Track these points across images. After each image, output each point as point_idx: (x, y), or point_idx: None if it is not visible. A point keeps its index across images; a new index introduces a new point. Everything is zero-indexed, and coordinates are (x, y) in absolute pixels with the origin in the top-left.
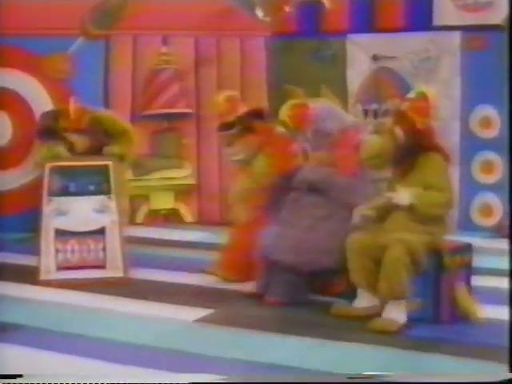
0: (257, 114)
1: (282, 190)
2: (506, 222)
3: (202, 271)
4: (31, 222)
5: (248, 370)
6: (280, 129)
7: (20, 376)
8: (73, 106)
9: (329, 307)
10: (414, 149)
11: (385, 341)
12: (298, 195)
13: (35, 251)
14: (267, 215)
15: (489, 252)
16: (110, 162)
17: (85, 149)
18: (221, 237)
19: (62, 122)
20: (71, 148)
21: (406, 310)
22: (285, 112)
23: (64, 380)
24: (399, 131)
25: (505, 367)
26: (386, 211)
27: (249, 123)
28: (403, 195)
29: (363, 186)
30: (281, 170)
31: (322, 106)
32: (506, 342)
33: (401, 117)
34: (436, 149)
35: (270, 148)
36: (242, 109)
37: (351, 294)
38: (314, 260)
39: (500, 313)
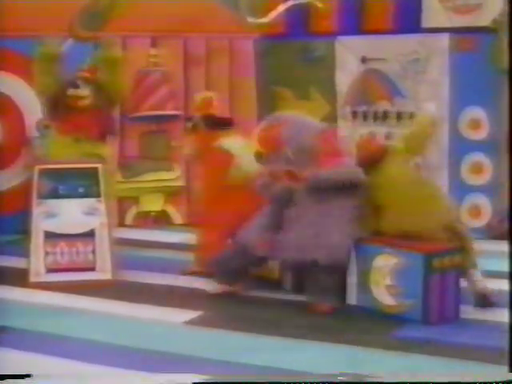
0: (219, 121)
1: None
2: (495, 224)
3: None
4: (21, 225)
5: (237, 372)
6: (226, 144)
7: (28, 376)
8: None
9: None
10: None
11: (376, 342)
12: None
13: (25, 253)
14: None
15: (478, 253)
16: (99, 165)
17: (87, 104)
18: None
19: (80, 71)
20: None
21: None
22: (256, 140)
23: (55, 382)
24: None
25: (504, 368)
26: None
27: (203, 125)
28: None
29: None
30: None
31: (291, 120)
32: (503, 343)
33: None
34: None
35: (205, 157)
36: (214, 111)
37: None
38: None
39: (488, 313)
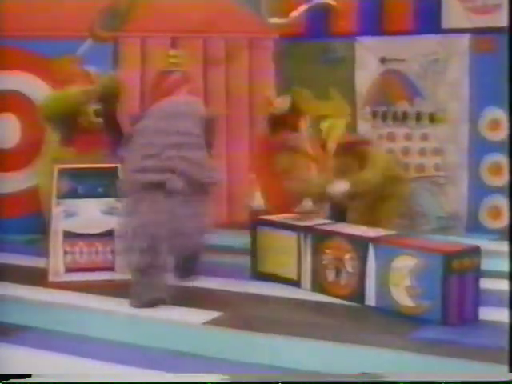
0: None
1: None
2: None
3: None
4: (40, 224)
5: (256, 372)
6: None
7: (29, 376)
8: (93, 73)
9: (334, 309)
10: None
11: (395, 343)
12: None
13: (44, 253)
14: None
15: (497, 254)
16: (118, 165)
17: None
18: (229, 239)
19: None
20: (98, 114)
21: None
22: None
23: (72, 381)
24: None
25: (505, 368)
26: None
27: None
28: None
29: None
30: None
31: None
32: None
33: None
34: None
35: None
36: None
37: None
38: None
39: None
